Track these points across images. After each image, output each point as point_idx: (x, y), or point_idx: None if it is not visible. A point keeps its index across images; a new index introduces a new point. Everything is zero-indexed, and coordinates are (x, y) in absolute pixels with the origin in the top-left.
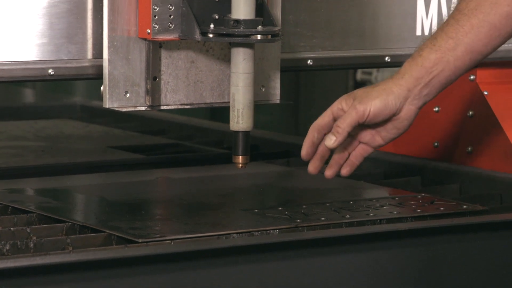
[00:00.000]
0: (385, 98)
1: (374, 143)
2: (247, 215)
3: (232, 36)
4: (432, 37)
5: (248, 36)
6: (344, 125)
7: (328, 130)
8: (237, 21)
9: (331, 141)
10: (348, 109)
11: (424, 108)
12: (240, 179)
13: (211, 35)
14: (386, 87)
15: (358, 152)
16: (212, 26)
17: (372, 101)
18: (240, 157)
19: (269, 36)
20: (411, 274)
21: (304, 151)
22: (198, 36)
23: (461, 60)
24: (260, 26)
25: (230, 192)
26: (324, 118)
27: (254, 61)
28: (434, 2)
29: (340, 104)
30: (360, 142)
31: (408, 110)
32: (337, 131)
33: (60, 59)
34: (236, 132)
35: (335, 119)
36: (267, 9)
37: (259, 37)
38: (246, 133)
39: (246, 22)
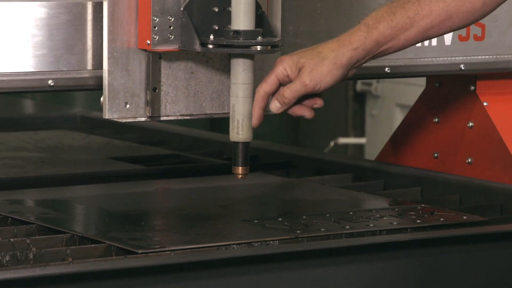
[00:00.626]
0: (335, 73)
1: (314, 102)
2: (247, 226)
3: (232, 47)
4: (391, 10)
5: (248, 47)
6: (291, 97)
7: (273, 93)
8: (237, 32)
9: (276, 107)
10: (296, 81)
11: (424, 118)
12: (240, 190)
13: (211, 46)
14: (337, 60)
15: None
16: (212, 37)
17: (323, 79)
18: (240, 167)
19: (269, 47)
20: (411, 285)
21: (257, 121)
22: (198, 47)
23: (409, 41)
24: (260, 37)
25: (230, 203)
26: (271, 85)
27: (254, 72)
28: None
29: (285, 70)
30: None
31: (351, 73)
32: (284, 101)
33: (59, 70)
34: (236, 143)
35: (280, 83)
36: (267, 20)
37: (259, 48)
38: (246, 144)
39: (246, 33)
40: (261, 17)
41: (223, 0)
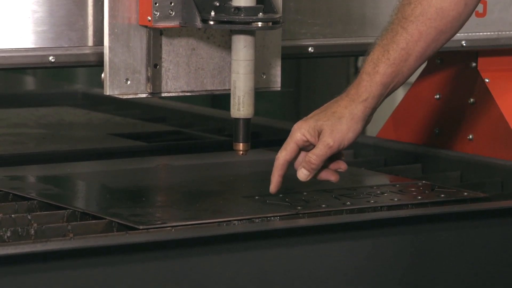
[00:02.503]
0: (356, 128)
1: (338, 165)
2: (248, 202)
3: (233, 23)
4: (384, 48)
5: (249, 23)
6: (318, 162)
7: (294, 160)
8: (238, 8)
9: (304, 175)
10: (319, 145)
11: (425, 95)
12: (241, 166)
13: (211, 22)
14: (354, 116)
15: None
16: (213, 13)
17: (345, 136)
18: (241, 144)
19: (270, 24)
20: (411, 261)
21: (274, 187)
22: (199, 23)
23: (413, 69)
24: (261, 13)
25: (231, 179)
26: (291, 153)
27: (255, 48)
28: None
29: (304, 136)
30: None
31: (368, 121)
32: (311, 167)
33: (60, 46)
34: (237, 120)
35: (300, 150)
36: None
37: (260, 24)
38: (247, 120)
39: (247, 9)
40: None
41: None
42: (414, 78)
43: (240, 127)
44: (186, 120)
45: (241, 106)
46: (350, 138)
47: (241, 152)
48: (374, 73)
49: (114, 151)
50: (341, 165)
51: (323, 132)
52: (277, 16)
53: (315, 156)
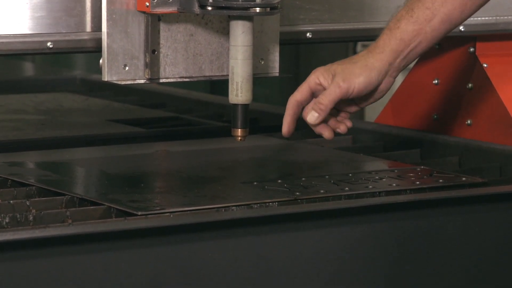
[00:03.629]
0: (368, 75)
1: (350, 109)
2: (247, 188)
3: (231, 8)
4: (409, 7)
5: (247, 8)
6: (327, 102)
7: (305, 103)
8: None
9: (313, 117)
10: (331, 85)
11: (423, 80)
12: (240, 152)
13: (209, 8)
14: (368, 62)
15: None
16: None
17: (356, 79)
18: (240, 130)
19: (268, 9)
20: (410, 246)
21: (286, 129)
22: (196, 9)
23: (437, 31)
24: None
25: (229, 165)
26: (302, 94)
27: (253, 34)
28: None
29: (318, 79)
30: (336, 109)
31: (387, 82)
32: (320, 108)
33: (58, 32)
34: (235, 105)
35: (312, 94)
36: None
37: (258, 9)
38: (245, 106)
39: None
40: None
41: None
42: (413, 63)
43: (239, 113)
44: (184, 106)
45: (240, 92)
46: (361, 82)
47: (239, 138)
48: (395, 29)
49: (113, 137)
50: (341, 127)
51: (336, 75)
52: (275, 1)
53: (324, 96)
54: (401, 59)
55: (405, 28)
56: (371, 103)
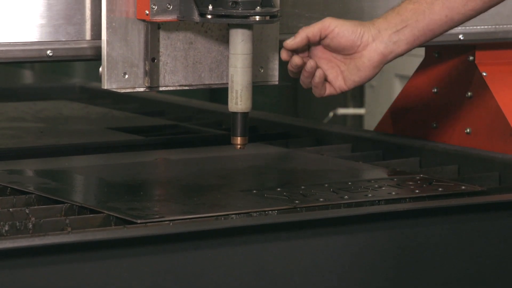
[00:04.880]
0: (354, 24)
1: (336, 82)
2: (246, 196)
3: (230, 17)
4: None
5: (246, 17)
6: (307, 30)
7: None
8: (235, 2)
9: (289, 39)
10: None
11: (423, 88)
12: (239, 160)
13: (209, 16)
14: (360, 22)
15: (324, 88)
16: (210, 7)
17: (339, 23)
18: (239, 138)
19: (268, 17)
20: (410, 255)
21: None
22: (196, 17)
23: (437, 14)
24: (258, 7)
25: (228, 173)
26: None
27: (252, 42)
28: None
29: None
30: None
31: (372, 51)
32: (298, 32)
33: (58, 40)
34: (235, 113)
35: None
36: None
37: (257, 18)
38: (244, 114)
39: (244, 3)
40: None
41: None
42: (412, 71)
43: (238, 121)
44: (184, 114)
45: (239, 100)
46: (344, 24)
47: (239, 146)
48: (396, 6)
49: (112, 145)
50: (306, 59)
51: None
52: (275, 9)
53: (306, 26)
54: (393, 32)
55: (404, 6)
56: (357, 78)
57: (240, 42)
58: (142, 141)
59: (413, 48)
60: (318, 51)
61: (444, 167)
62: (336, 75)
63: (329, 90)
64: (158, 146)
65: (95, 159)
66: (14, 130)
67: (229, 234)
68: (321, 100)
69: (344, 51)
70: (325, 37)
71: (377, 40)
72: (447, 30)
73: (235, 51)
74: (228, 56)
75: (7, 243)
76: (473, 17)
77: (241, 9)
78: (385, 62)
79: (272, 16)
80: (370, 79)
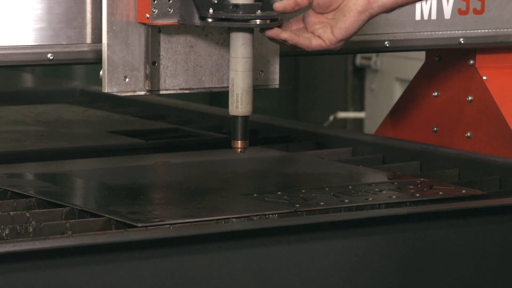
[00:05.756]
0: None
1: (325, 34)
2: (246, 200)
3: (231, 20)
4: None
5: (247, 20)
6: None
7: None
8: (236, 6)
9: (278, 2)
10: None
11: (423, 92)
12: (239, 164)
13: (210, 20)
14: None
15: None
16: (211, 10)
17: None
18: (239, 141)
19: (268, 21)
20: (410, 258)
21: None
22: (197, 20)
23: None
24: (259, 10)
25: (229, 177)
26: None
27: (253, 46)
28: None
29: None
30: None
31: (352, 5)
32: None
33: (59, 44)
34: (235, 117)
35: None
36: None
37: (258, 21)
38: (245, 118)
39: (245, 6)
40: None
41: None
42: (412, 75)
43: (239, 125)
44: (184, 117)
45: (239, 104)
46: None
47: (239, 150)
48: None
49: (113, 149)
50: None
51: None
52: (275, 13)
53: None
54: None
55: None
56: (343, 29)
57: (240, 46)
58: (142, 145)
59: (401, 3)
60: (311, 16)
61: (444, 171)
62: (325, 29)
63: (317, 41)
64: (159, 149)
65: (96, 162)
66: (15, 134)
67: (229, 237)
68: (322, 103)
69: (332, 4)
70: None
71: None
72: None
73: (236, 54)
74: (229, 60)
75: (8, 247)
76: None
77: (242, 13)
78: (371, 11)
79: (273, 20)
80: (356, 28)
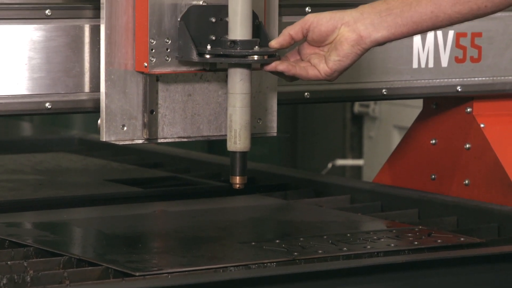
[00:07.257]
0: (334, 12)
1: (320, 65)
2: (245, 248)
3: (229, 56)
4: None
5: (245, 56)
6: (289, 28)
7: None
8: (234, 42)
9: (274, 40)
10: None
11: (421, 140)
12: (238, 212)
13: (208, 56)
14: (342, 10)
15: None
16: (209, 47)
17: (320, 15)
18: (238, 177)
19: (266, 57)
20: None
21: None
22: (195, 56)
23: (423, 8)
24: (257, 46)
25: (227, 225)
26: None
27: (251, 82)
28: (430, 35)
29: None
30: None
31: (351, 30)
32: (282, 32)
33: (57, 93)
34: (233, 153)
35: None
36: (264, 30)
37: (256, 57)
38: (243, 154)
39: (243, 42)
40: (258, 27)
41: (220, 10)
42: (410, 122)
43: (237, 160)
44: (182, 165)
45: (238, 140)
46: (319, 14)
47: (237, 186)
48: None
49: (111, 197)
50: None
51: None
52: (273, 49)
53: (288, 26)
54: (375, 17)
55: (389, 1)
56: (338, 62)
57: (238, 82)
58: (140, 193)
59: (394, 38)
60: (306, 49)
61: (443, 218)
62: (320, 59)
63: (313, 72)
64: (157, 198)
65: (94, 211)
66: (13, 183)
67: (227, 286)
68: (320, 151)
69: (327, 39)
70: (307, 32)
71: (358, 23)
72: (431, 29)
73: (234, 90)
74: (226, 108)
75: None
76: (458, 21)
77: (240, 49)
78: (364, 45)
79: (271, 55)
80: (350, 60)
